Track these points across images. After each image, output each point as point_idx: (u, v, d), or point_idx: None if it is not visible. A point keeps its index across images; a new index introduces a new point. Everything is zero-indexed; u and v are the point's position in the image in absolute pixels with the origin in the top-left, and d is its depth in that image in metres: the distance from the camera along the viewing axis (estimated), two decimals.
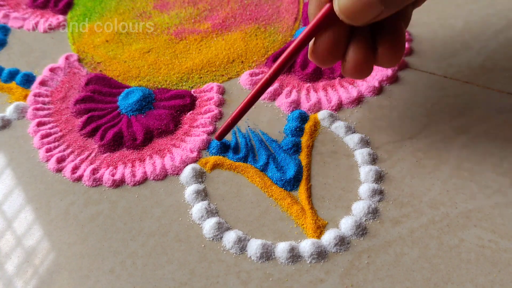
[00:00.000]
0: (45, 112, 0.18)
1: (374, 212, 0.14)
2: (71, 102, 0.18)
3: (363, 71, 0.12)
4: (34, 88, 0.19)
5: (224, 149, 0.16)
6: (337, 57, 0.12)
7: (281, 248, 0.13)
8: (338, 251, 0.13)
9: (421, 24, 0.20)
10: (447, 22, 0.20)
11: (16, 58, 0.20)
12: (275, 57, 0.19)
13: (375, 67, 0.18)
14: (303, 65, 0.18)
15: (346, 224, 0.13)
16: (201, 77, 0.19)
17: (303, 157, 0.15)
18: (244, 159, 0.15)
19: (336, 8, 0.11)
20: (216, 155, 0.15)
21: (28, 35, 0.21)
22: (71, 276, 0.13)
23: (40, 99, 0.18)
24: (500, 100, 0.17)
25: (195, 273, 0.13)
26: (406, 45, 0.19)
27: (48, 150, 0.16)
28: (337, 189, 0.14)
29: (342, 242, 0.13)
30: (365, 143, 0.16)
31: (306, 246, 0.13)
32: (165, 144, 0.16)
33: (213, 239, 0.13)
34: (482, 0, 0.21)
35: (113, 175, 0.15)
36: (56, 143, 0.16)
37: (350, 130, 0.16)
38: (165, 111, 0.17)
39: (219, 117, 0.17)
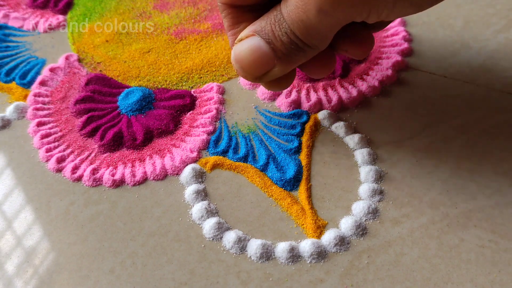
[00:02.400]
0: (45, 112, 0.18)
1: (374, 212, 0.14)
2: (71, 102, 0.18)
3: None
4: (34, 88, 0.19)
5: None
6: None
7: (281, 248, 0.13)
8: (338, 251, 0.13)
9: (421, 24, 0.20)
10: (447, 22, 0.20)
11: None
12: None
13: (377, 68, 0.18)
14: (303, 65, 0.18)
15: (346, 224, 0.13)
16: (201, 77, 0.19)
17: (303, 157, 0.15)
18: (244, 159, 0.15)
19: (232, 58, 0.11)
20: None
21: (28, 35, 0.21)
22: (71, 276, 0.13)
23: (40, 99, 0.18)
24: (500, 100, 0.17)
25: (195, 273, 0.13)
26: (406, 45, 0.19)
27: (48, 150, 0.16)
28: (337, 189, 0.14)
29: (342, 242, 0.13)
30: (365, 143, 0.16)
31: (306, 246, 0.13)
32: (165, 144, 0.16)
33: (213, 239, 0.13)
34: (482, 0, 0.21)
35: (113, 175, 0.15)
36: (56, 143, 0.16)
37: (350, 130, 0.16)
38: (165, 111, 0.17)
39: (219, 117, 0.17)
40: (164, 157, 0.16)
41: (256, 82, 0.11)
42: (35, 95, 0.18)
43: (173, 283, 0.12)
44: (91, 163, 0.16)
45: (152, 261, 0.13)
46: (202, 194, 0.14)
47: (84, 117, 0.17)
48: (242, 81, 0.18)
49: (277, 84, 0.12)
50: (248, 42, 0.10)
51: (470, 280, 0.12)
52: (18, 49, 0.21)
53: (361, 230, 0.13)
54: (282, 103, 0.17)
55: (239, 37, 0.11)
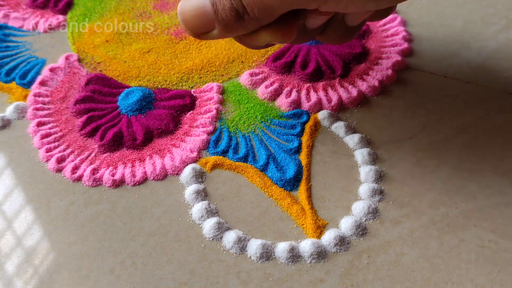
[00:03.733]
0: (45, 112, 0.18)
1: (374, 212, 0.14)
2: (71, 102, 0.18)
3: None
4: (34, 88, 0.19)
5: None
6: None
7: (281, 248, 0.13)
8: (338, 251, 0.13)
9: (421, 24, 0.20)
10: (447, 22, 0.20)
11: None
12: (275, 57, 0.19)
13: (377, 68, 0.18)
14: (303, 65, 0.18)
15: (346, 224, 0.13)
16: (201, 77, 0.19)
17: (303, 157, 0.15)
18: (244, 159, 0.15)
19: (178, 8, 0.11)
20: None
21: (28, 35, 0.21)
22: (71, 276, 0.13)
23: (40, 99, 0.18)
24: (500, 100, 0.17)
25: (195, 273, 0.13)
26: (406, 45, 0.19)
27: (48, 150, 0.16)
28: (337, 189, 0.14)
29: (342, 242, 0.13)
30: (365, 143, 0.16)
31: (306, 246, 0.13)
32: (165, 144, 0.16)
33: (213, 239, 0.13)
34: (482, 0, 0.21)
35: (113, 175, 0.15)
36: (56, 143, 0.16)
37: (350, 130, 0.16)
38: (165, 111, 0.17)
39: (219, 117, 0.17)
40: (164, 157, 0.16)
41: (197, 38, 0.11)
42: (35, 95, 0.18)
43: (173, 283, 0.12)
44: (91, 163, 0.16)
45: (152, 261, 0.13)
46: (202, 194, 0.14)
47: (84, 117, 0.17)
48: (242, 81, 0.18)
49: (274, 36, 0.11)
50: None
51: (470, 280, 0.12)
52: (18, 49, 0.21)
53: (361, 230, 0.13)
54: (282, 103, 0.17)
55: None
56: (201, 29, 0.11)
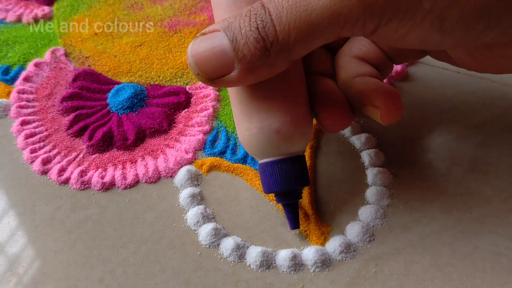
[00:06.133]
0: (30, 110, 0.17)
1: (382, 217, 0.13)
2: (57, 100, 0.17)
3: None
4: (18, 84, 0.18)
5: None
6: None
7: (283, 256, 0.12)
8: (344, 259, 0.12)
9: None
10: None
11: None
12: None
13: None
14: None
15: (352, 230, 0.13)
16: None
17: (306, 159, 0.14)
18: (243, 161, 0.15)
19: (187, 53, 0.09)
20: None
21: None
22: (57, 286, 0.12)
23: (24, 96, 0.17)
24: None
25: (190, 283, 0.12)
26: None
27: (33, 151, 0.15)
28: (342, 193, 0.14)
29: (348, 249, 0.12)
30: (372, 143, 0.15)
31: (309, 253, 0.12)
32: (158, 144, 0.15)
33: (209, 246, 0.13)
34: None
35: (102, 178, 0.14)
36: (42, 143, 0.16)
37: (356, 129, 0.15)
38: (158, 109, 0.16)
39: (216, 115, 0.16)
40: (157, 158, 0.15)
41: (211, 84, 0.10)
42: (19, 92, 0.17)
43: None
44: (79, 165, 0.15)
45: (144, 270, 0.12)
46: (198, 198, 0.14)
47: (71, 116, 0.16)
48: None
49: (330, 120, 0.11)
50: (210, 39, 0.09)
51: None
52: None
53: (369, 236, 0.13)
54: None
55: (202, 31, 0.09)
56: (218, 71, 0.09)
